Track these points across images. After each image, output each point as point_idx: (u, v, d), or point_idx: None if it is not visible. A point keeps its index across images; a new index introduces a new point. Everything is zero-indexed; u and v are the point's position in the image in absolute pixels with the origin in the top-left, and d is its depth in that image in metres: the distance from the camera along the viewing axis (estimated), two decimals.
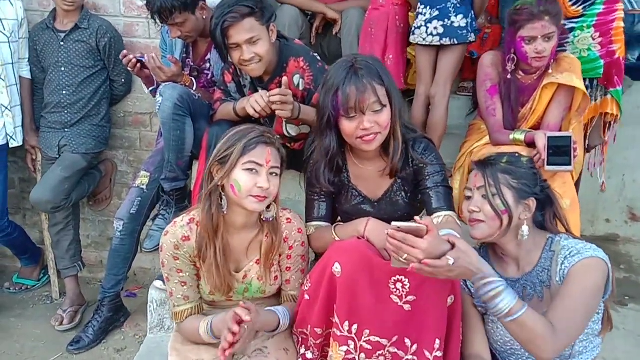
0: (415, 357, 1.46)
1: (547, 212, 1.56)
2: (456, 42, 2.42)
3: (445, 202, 1.62)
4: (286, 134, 2.13)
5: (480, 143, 2.26)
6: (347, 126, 1.55)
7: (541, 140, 1.92)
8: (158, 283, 2.12)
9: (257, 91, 2.11)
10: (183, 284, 1.59)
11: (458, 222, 1.60)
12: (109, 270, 2.45)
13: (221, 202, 1.53)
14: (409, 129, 1.67)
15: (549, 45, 2.05)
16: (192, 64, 2.40)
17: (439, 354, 1.45)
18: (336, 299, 1.48)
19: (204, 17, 2.26)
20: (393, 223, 1.29)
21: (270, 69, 2.01)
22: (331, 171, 1.66)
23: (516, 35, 2.09)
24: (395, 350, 1.46)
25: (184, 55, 2.41)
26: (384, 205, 1.72)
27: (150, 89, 2.33)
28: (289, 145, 2.26)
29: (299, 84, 2.03)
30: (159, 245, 2.22)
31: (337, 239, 1.63)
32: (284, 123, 2.09)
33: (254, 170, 1.49)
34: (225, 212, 1.54)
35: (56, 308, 2.75)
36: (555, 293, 1.43)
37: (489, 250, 1.62)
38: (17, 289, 2.95)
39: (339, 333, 1.47)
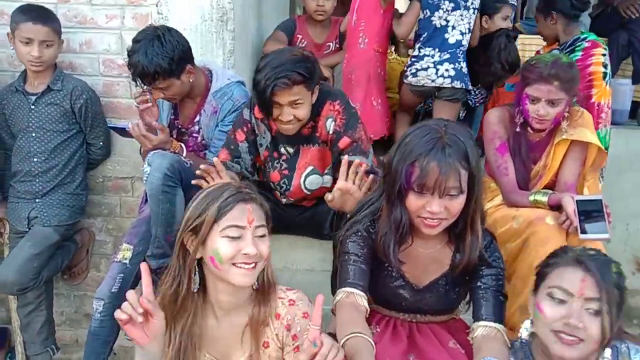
0: None
1: None
2: (464, 87, 2.40)
3: (497, 312, 1.43)
4: (304, 189, 1.98)
5: (493, 204, 2.12)
6: (413, 202, 1.36)
7: (570, 205, 1.79)
8: None
9: (277, 150, 2.04)
10: None
11: (507, 339, 1.41)
12: (87, 356, 2.18)
13: (194, 277, 1.32)
14: (482, 218, 1.47)
15: (552, 111, 1.97)
16: (180, 126, 2.22)
17: None
18: None
19: (190, 80, 2.10)
20: None
21: None
22: (399, 245, 1.44)
23: (523, 90, 2.01)
24: None
25: (172, 116, 2.23)
26: (428, 295, 1.51)
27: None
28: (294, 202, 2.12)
29: (329, 128, 1.94)
30: None
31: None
32: (303, 176, 1.97)
33: (236, 236, 1.27)
34: (195, 290, 1.33)
35: None
36: None
37: (532, 346, 1.38)
38: None
39: None
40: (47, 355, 2.44)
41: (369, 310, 1.44)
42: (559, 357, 1.26)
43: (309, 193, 2.02)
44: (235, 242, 1.27)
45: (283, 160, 2.04)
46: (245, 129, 2.00)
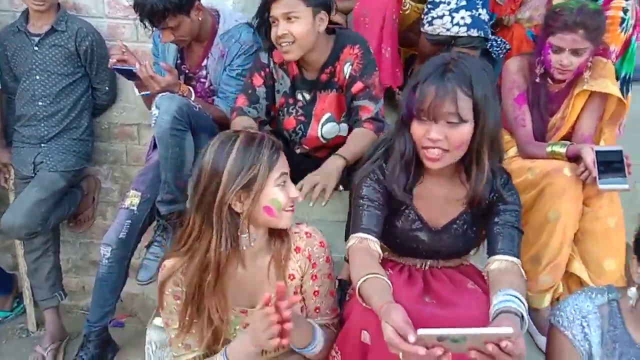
0: None
1: None
2: (482, 35, 2.29)
3: (513, 246, 1.40)
4: (321, 138, 1.96)
5: (508, 156, 2.06)
6: (416, 129, 1.34)
7: (589, 155, 1.75)
8: (158, 321, 1.86)
9: (293, 96, 1.98)
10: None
11: (523, 272, 1.39)
12: (95, 302, 2.18)
13: (245, 234, 1.31)
14: (500, 156, 1.42)
15: (576, 60, 1.90)
16: (187, 70, 2.15)
17: None
18: None
19: (199, 18, 2.03)
20: (419, 331, 1.02)
21: (319, 62, 1.91)
22: (406, 177, 1.42)
23: (546, 39, 1.93)
24: None
25: (178, 61, 2.17)
26: (445, 236, 1.48)
27: (142, 93, 2.07)
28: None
29: (346, 72, 1.91)
30: (154, 278, 2.02)
31: (358, 298, 1.30)
32: (320, 124, 1.95)
33: (284, 182, 1.31)
34: (252, 245, 1.33)
35: (33, 342, 2.47)
36: None
37: (622, 307, 1.32)
38: None
39: None
40: (55, 301, 2.46)
41: (382, 255, 1.42)
42: None
43: (325, 142, 1.98)
44: (284, 188, 1.31)
45: (299, 107, 1.99)
46: (262, 73, 1.95)
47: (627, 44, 2.31)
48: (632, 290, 1.28)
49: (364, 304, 1.26)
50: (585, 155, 1.76)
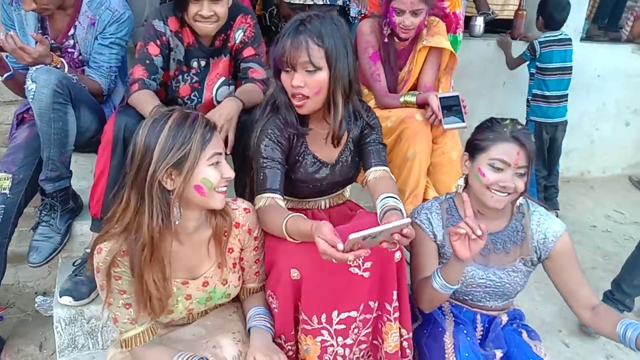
0: (379, 312, 1.56)
1: None
2: (328, 2, 2.50)
3: (382, 158, 1.73)
4: (215, 101, 2.04)
5: None
6: (283, 79, 1.56)
7: (434, 101, 2.11)
8: (66, 299, 1.84)
9: (187, 64, 2.02)
10: (128, 307, 1.40)
11: (392, 176, 1.72)
12: None
13: (178, 210, 1.35)
14: (358, 93, 1.67)
15: (416, 20, 2.23)
16: (52, 41, 2.04)
17: (397, 303, 1.56)
18: (301, 299, 1.50)
19: None
20: (351, 236, 1.24)
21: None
22: (294, 116, 1.62)
23: (390, 3, 2.23)
24: (364, 316, 1.53)
25: (40, 31, 2.03)
26: (340, 167, 1.76)
27: (6, 75, 1.93)
28: None
29: (237, 38, 2.02)
30: (48, 258, 1.97)
31: (287, 237, 1.48)
32: (215, 88, 2.04)
33: (217, 162, 1.35)
34: (177, 223, 1.36)
35: None
36: (525, 253, 1.68)
37: (455, 198, 1.73)
38: None
39: (309, 327, 1.50)
40: None
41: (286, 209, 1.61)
42: (490, 207, 1.60)
43: (217, 104, 2.07)
44: (217, 167, 1.35)
45: (193, 74, 2.04)
46: (159, 42, 1.92)
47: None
48: (461, 180, 1.71)
49: (293, 241, 1.46)
50: (432, 101, 2.13)
